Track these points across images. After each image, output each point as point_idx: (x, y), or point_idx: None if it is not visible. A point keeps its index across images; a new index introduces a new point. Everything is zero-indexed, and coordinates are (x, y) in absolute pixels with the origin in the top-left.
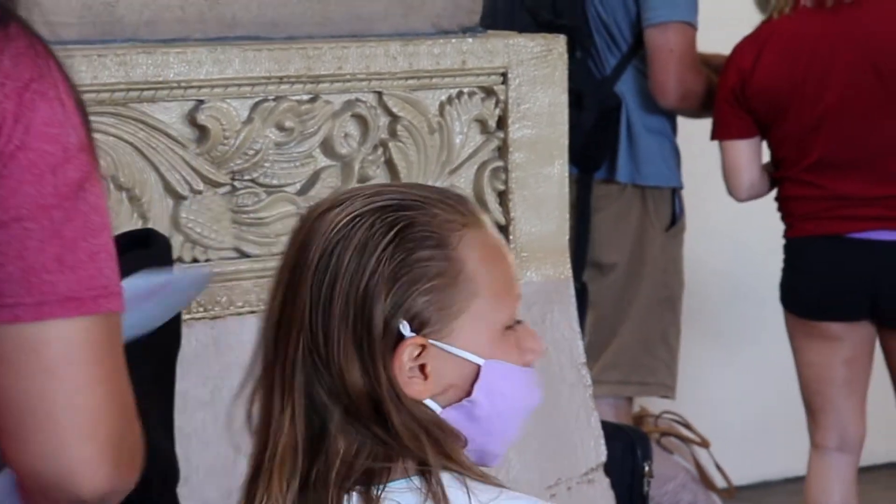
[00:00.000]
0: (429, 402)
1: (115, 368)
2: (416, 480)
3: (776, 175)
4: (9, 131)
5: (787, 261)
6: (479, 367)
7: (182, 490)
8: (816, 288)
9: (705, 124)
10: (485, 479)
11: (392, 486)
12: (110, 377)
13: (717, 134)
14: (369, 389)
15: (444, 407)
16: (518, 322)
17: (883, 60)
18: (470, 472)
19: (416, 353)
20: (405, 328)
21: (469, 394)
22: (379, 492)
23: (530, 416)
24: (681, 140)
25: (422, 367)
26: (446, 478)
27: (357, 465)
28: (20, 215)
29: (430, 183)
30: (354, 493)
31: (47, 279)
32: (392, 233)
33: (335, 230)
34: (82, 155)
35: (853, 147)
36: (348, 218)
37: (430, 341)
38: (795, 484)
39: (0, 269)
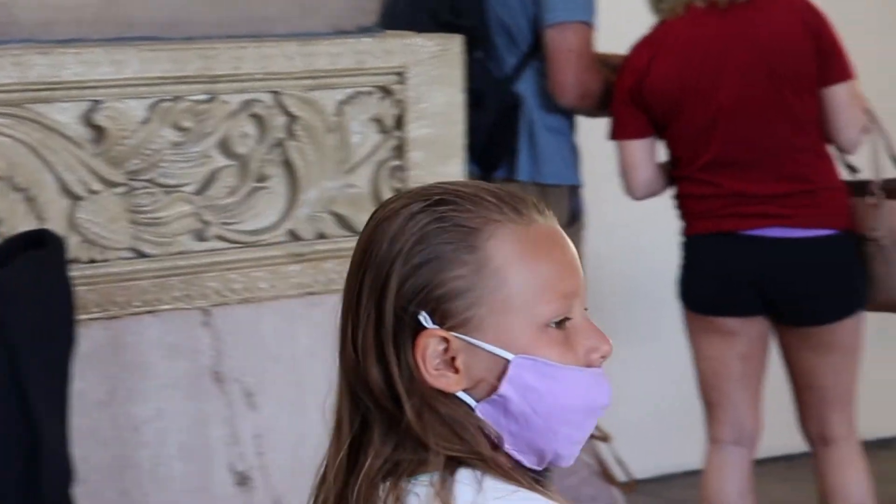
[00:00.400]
0: (463, 396)
1: None
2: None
3: (673, 174)
4: None
5: (683, 258)
6: (507, 361)
7: (79, 490)
8: (712, 284)
9: (604, 123)
10: (508, 477)
11: (420, 478)
12: None
13: (613, 134)
14: (386, 380)
15: (478, 401)
16: (572, 319)
17: (775, 61)
18: (496, 468)
19: (442, 346)
20: (425, 319)
21: (497, 389)
22: (406, 484)
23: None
24: (581, 139)
25: (452, 360)
26: (463, 473)
27: (392, 457)
28: None
29: (326, 182)
30: (386, 484)
31: None
32: (423, 223)
33: (380, 223)
34: None
35: (746, 146)
36: (394, 212)
37: (453, 334)
38: (694, 476)
39: None
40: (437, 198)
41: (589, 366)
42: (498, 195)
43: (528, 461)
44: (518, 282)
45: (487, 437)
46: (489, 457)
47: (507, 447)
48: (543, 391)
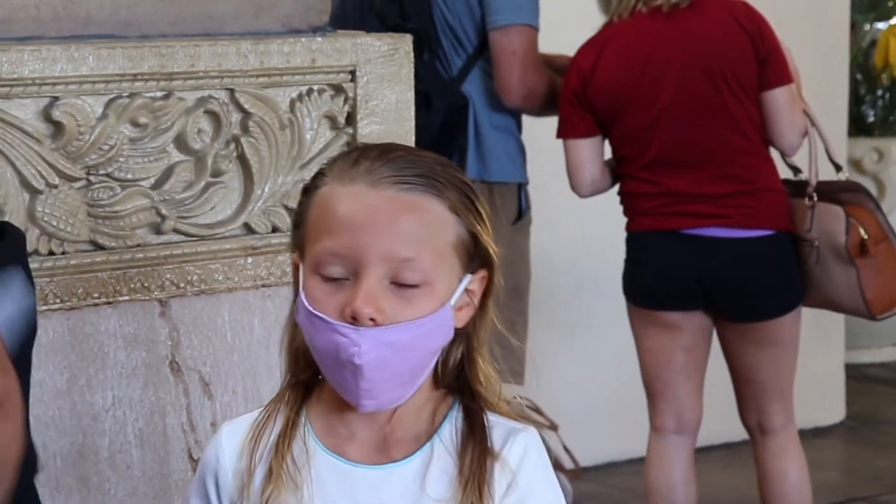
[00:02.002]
0: None
1: None
2: None
3: (618, 171)
4: None
5: (627, 253)
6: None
7: (40, 477)
8: (654, 279)
9: (551, 122)
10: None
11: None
12: None
13: (561, 133)
14: None
15: None
16: (348, 278)
17: (714, 65)
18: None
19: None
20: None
21: None
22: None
23: None
24: (527, 138)
25: None
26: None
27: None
28: None
29: (280, 177)
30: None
31: None
32: None
33: None
34: None
35: (687, 147)
36: None
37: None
38: (639, 464)
39: None
40: None
41: (343, 321)
42: (348, 160)
43: None
44: (309, 227)
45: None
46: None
47: None
48: (307, 328)
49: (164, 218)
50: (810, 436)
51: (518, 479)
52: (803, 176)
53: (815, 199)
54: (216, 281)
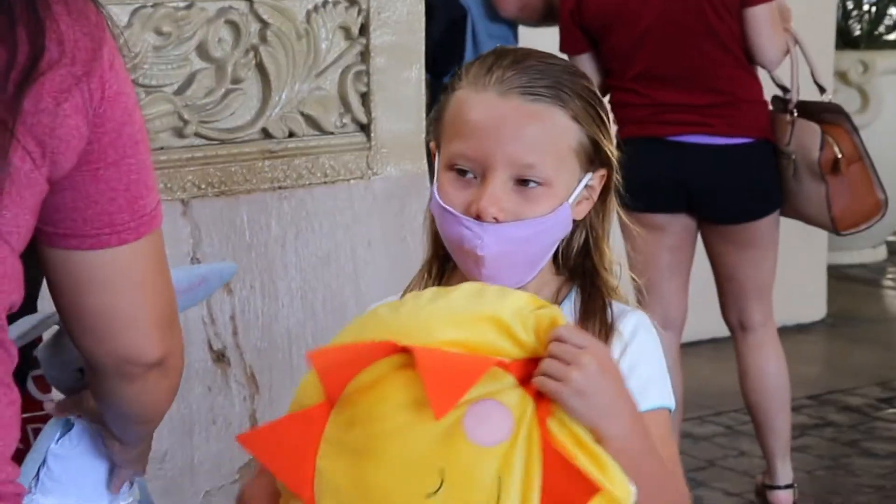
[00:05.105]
0: None
1: (166, 266)
2: None
3: (608, 82)
4: (105, 77)
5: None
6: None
7: None
8: (639, 183)
9: (546, 33)
10: None
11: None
12: (166, 274)
13: (562, 49)
14: None
15: None
16: (476, 175)
17: None
18: None
19: None
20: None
21: None
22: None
23: None
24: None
25: None
26: None
27: None
28: (125, 153)
29: (296, 84)
30: None
31: (142, 203)
32: None
33: None
34: None
35: (671, 62)
36: None
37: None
38: None
39: (112, 203)
40: None
41: (469, 216)
42: (483, 65)
43: None
44: (445, 126)
45: None
46: None
47: None
48: (438, 216)
49: (186, 122)
50: (793, 332)
51: (630, 348)
52: (790, 95)
53: (796, 115)
54: (235, 182)
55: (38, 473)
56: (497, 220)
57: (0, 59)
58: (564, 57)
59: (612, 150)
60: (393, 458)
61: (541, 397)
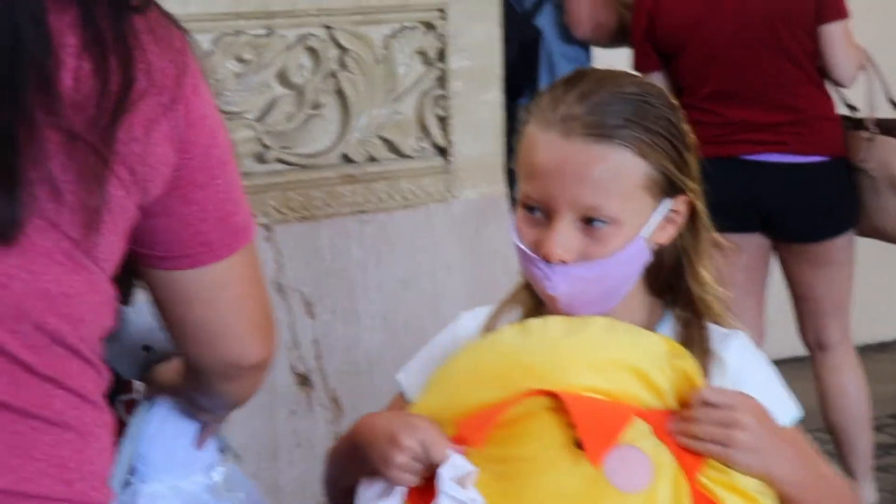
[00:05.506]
0: None
1: (260, 275)
2: None
3: (681, 101)
4: (190, 102)
5: None
6: None
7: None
8: (713, 203)
9: (619, 53)
10: None
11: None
12: (261, 282)
13: (636, 66)
14: None
15: None
16: (543, 214)
17: (771, 1)
18: None
19: None
20: None
21: None
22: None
23: None
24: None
25: None
26: None
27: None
28: (213, 174)
29: (375, 109)
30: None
31: (232, 220)
32: None
33: None
34: None
35: (744, 80)
36: None
37: None
38: None
39: (203, 223)
40: None
41: (535, 254)
42: (552, 98)
43: None
44: (519, 160)
45: None
46: None
47: None
48: (516, 249)
49: (267, 148)
50: (872, 350)
51: (743, 376)
52: (859, 114)
53: (874, 131)
54: (316, 207)
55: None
56: (564, 262)
57: (93, 89)
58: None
59: (689, 177)
60: (541, 498)
61: (681, 449)
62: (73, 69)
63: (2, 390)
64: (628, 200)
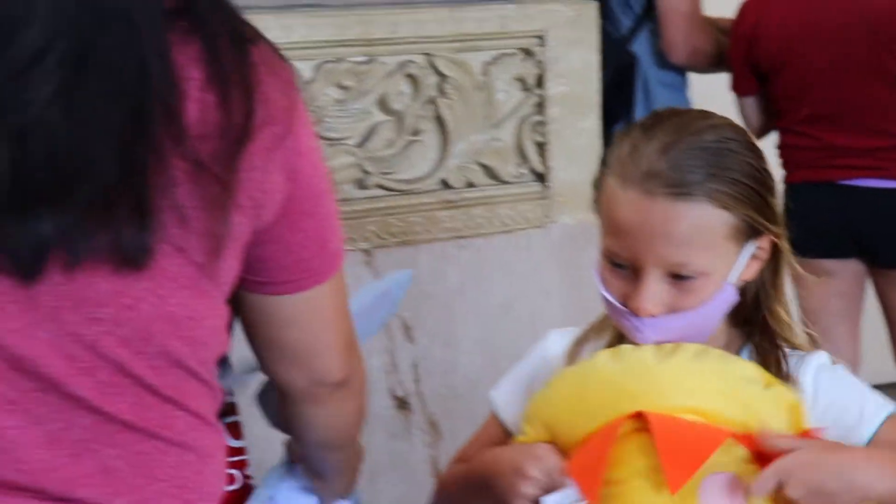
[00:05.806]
0: None
1: (346, 297)
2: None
3: (777, 125)
4: (299, 133)
5: (784, 203)
6: None
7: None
8: (808, 228)
9: (716, 78)
10: None
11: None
12: (347, 303)
13: (734, 89)
14: None
15: None
16: (629, 268)
17: (875, 24)
18: None
19: None
20: None
21: None
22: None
23: None
24: (696, 94)
25: None
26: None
27: None
28: (318, 203)
29: (474, 135)
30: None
31: (330, 247)
32: None
33: None
34: None
35: (843, 104)
36: None
37: None
38: None
39: (304, 250)
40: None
41: (624, 306)
42: (631, 148)
43: None
44: (600, 209)
45: None
46: None
47: None
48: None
49: (367, 174)
50: None
51: (820, 395)
52: None
53: None
54: (415, 232)
55: None
56: (653, 315)
57: (217, 120)
58: (727, 113)
59: (771, 221)
60: None
61: None
62: (197, 101)
63: (127, 410)
64: (714, 252)
